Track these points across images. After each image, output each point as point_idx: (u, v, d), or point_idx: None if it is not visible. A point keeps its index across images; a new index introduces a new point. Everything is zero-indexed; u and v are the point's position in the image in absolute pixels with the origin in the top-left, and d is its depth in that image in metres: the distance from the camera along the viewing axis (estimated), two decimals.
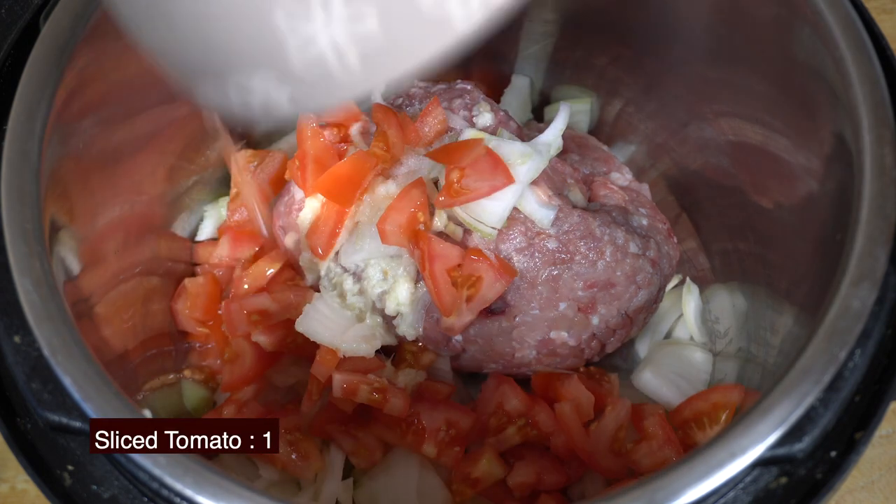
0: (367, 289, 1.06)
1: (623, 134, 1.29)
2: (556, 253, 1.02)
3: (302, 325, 1.05)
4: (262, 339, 1.09)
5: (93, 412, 0.69)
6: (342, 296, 1.08)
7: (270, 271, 1.15)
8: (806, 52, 0.85)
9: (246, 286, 1.14)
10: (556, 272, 1.02)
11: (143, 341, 1.05)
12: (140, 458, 0.67)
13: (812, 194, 0.90)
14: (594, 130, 1.32)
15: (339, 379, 1.01)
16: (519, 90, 1.32)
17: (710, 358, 1.17)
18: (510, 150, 1.01)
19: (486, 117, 1.11)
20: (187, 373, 1.14)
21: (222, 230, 1.21)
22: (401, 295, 1.04)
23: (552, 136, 1.04)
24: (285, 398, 1.13)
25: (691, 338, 1.20)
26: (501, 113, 1.12)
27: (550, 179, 1.07)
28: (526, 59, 1.29)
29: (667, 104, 1.18)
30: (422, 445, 1.01)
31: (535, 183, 1.03)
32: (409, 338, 1.07)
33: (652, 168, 1.27)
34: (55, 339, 0.71)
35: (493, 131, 1.08)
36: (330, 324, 1.05)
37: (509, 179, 0.99)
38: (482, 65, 1.30)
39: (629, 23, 1.12)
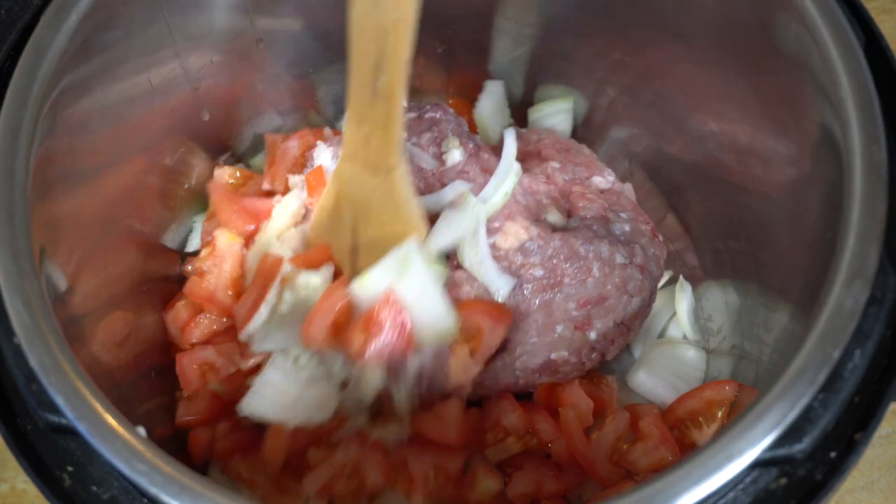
0: (327, 361, 1.02)
1: (609, 132, 1.28)
2: (543, 280, 1.02)
3: (248, 407, 0.98)
4: (217, 387, 1.08)
5: (86, 431, 0.69)
6: (295, 359, 1.03)
7: (215, 327, 1.12)
8: (793, 50, 0.85)
9: (194, 340, 1.12)
10: (547, 297, 1.02)
11: (136, 355, 1.05)
12: (135, 477, 0.67)
13: (802, 193, 0.90)
14: (581, 128, 1.32)
15: (309, 482, 0.97)
16: (493, 95, 1.32)
17: (704, 356, 1.17)
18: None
19: (454, 154, 1.10)
20: (181, 392, 1.13)
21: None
22: (373, 381, 0.99)
23: (503, 176, 1.05)
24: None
25: (684, 336, 1.20)
26: (471, 145, 1.11)
27: (525, 208, 1.07)
28: (509, 60, 1.28)
29: (654, 104, 1.18)
30: (412, 494, 0.98)
31: (510, 217, 1.03)
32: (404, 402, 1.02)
33: (639, 167, 1.27)
34: (46, 359, 0.71)
35: (461, 169, 1.08)
36: (280, 396, 0.99)
37: (410, 344, 0.97)
38: (461, 67, 1.31)
39: (616, 24, 1.12)
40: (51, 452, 0.72)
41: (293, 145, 1.21)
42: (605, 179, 1.18)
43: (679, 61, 1.08)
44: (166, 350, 1.14)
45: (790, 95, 0.89)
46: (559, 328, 1.03)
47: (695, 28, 1.02)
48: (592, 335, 1.05)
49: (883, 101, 0.77)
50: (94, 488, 0.71)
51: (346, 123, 0.93)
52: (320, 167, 1.15)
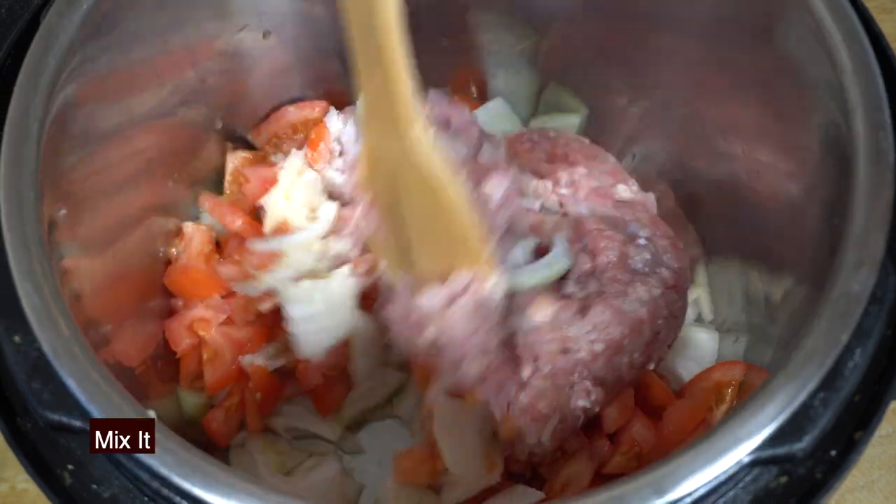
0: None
1: (618, 141, 1.29)
2: (608, 351, 1.00)
3: (305, 352, 1.06)
4: (218, 340, 1.11)
5: (98, 413, 0.69)
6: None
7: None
8: (797, 40, 0.86)
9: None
10: (615, 361, 1.01)
11: (147, 336, 1.07)
12: (145, 458, 0.67)
13: (808, 177, 0.90)
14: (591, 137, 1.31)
15: None
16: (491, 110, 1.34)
17: (716, 337, 1.17)
18: None
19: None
20: (183, 383, 1.14)
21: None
22: None
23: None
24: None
25: (698, 316, 1.20)
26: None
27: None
28: (515, 54, 1.28)
29: (657, 93, 1.18)
30: None
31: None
32: None
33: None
34: (58, 343, 0.71)
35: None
36: (318, 324, 1.06)
37: None
38: (465, 62, 1.31)
39: (624, 26, 1.12)
40: (51, 451, 0.72)
41: (292, 110, 1.24)
42: (629, 188, 1.17)
43: (677, 52, 1.08)
44: None
45: (796, 84, 0.89)
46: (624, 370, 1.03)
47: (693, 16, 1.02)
48: (651, 366, 1.06)
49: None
50: (95, 487, 0.70)
51: (358, 83, 0.87)
52: (323, 125, 1.19)
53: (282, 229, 1.14)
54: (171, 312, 1.15)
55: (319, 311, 1.08)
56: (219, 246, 1.19)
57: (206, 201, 1.20)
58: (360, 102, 0.90)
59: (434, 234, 0.95)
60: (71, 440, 0.72)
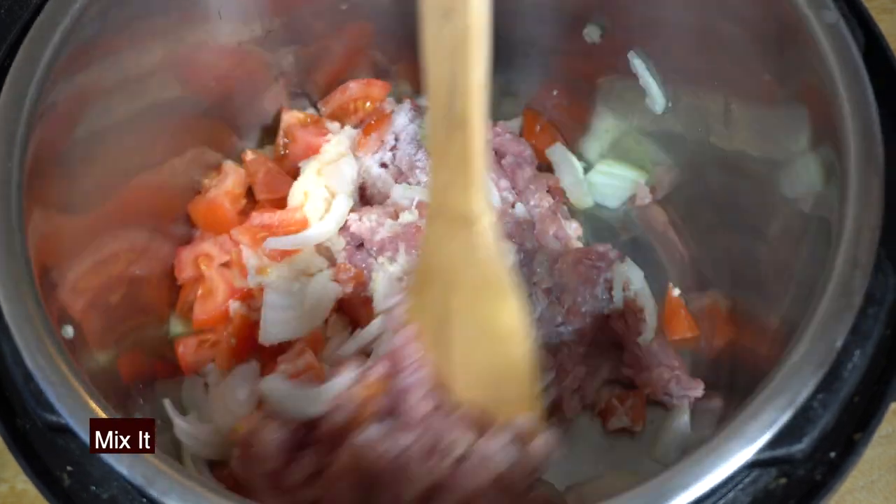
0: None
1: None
2: None
3: (266, 336, 1.06)
4: (213, 275, 1.13)
5: (87, 440, 0.68)
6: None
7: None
8: (789, 50, 0.85)
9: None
10: None
11: (162, 257, 1.12)
12: (136, 479, 0.66)
13: (800, 186, 0.89)
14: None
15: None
16: None
17: None
18: None
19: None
20: (178, 310, 1.16)
21: None
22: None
23: None
24: None
25: None
26: None
27: None
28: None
29: None
30: None
31: None
32: None
33: None
34: (41, 358, 0.70)
35: None
36: (287, 315, 1.07)
37: None
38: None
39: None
40: (50, 452, 0.72)
41: (354, 86, 1.26)
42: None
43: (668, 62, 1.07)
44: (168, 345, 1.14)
45: (786, 93, 0.89)
46: None
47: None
48: None
49: (883, 101, 0.77)
50: (94, 488, 0.71)
51: (428, 172, 0.87)
52: (389, 115, 1.22)
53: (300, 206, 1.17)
54: (188, 241, 1.18)
55: (292, 304, 1.09)
56: (250, 193, 1.22)
57: (250, 161, 1.21)
58: (430, 182, 0.85)
59: (481, 365, 0.88)
60: (70, 441, 0.72)
